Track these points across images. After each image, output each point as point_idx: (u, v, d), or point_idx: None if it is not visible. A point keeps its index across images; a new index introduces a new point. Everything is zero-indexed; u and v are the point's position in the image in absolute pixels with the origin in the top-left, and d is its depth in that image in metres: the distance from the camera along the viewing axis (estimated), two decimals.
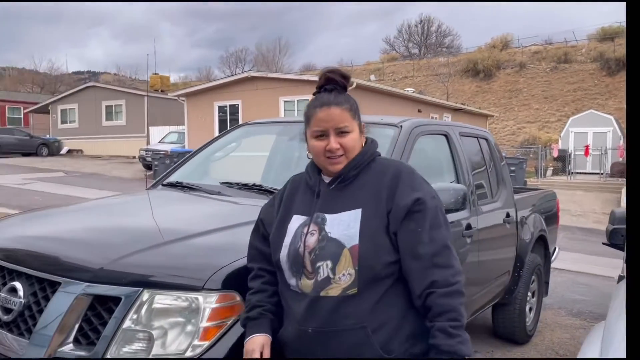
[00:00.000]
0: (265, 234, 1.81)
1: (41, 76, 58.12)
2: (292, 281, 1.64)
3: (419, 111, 21.40)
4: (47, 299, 1.95)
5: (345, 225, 1.59)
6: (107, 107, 27.35)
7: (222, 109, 20.03)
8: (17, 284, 2.03)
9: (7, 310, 2.01)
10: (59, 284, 1.94)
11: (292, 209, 1.73)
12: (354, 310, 1.55)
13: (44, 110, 30.21)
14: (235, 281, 1.84)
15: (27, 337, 1.92)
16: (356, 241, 1.56)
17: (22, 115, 36.49)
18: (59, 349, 1.84)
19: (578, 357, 1.94)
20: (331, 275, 1.56)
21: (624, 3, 1.98)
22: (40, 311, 1.93)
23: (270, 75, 20.14)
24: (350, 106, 1.69)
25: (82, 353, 1.81)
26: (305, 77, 19.28)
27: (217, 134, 18.92)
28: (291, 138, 3.50)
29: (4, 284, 2.10)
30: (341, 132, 1.65)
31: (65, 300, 1.89)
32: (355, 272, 1.55)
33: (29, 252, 2.18)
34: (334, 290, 1.56)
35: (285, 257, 1.65)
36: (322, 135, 1.66)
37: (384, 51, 59.29)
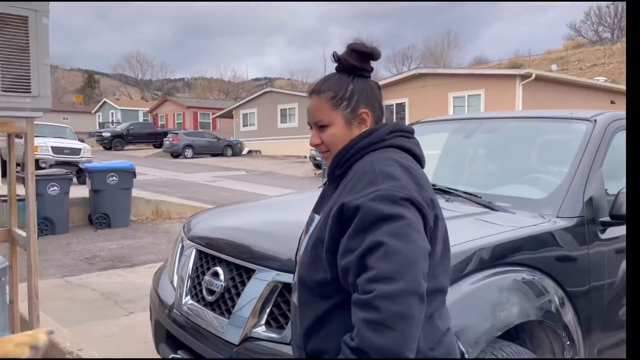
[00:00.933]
0: None
1: (226, 84, 64.94)
2: None
3: (612, 102, 19.17)
4: (243, 284, 2.18)
5: (311, 231, 1.43)
6: (281, 110, 29.43)
7: (388, 108, 20.10)
8: (219, 269, 2.31)
9: (211, 292, 2.30)
10: (254, 271, 2.16)
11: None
12: (298, 323, 1.42)
13: (229, 114, 33.69)
14: None
15: (226, 317, 2.17)
16: (302, 251, 1.44)
17: (210, 120, 41.21)
18: (253, 330, 2.05)
19: None
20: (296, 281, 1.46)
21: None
22: (238, 294, 2.17)
23: (438, 71, 19.78)
24: (334, 94, 1.42)
25: (273, 335, 1.99)
26: (476, 71, 18.55)
27: None
28: (466, 136, 3.41)
29: (208, 269, 2.40)
30: (320, 125, 1.45)
31: (258, 286, 2.10)
32: (296, 282, 1.44)
33: (227, 241, 2.46)
34: (294, 296, 1.46)
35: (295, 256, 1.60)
36: (310, 127, 1.49)
37: (567, 37, 54.33)
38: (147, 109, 48.06)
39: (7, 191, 3.89)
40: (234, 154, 28.79)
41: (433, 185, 2.92)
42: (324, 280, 1.31)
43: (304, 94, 29.51)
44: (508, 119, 3.43)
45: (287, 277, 2.02)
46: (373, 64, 1.47)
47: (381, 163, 1.33)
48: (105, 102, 52.23)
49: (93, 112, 51.72)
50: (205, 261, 2.46)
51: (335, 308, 1.30)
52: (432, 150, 3.81)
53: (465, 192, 2.71)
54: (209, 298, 2.29)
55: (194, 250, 2.57)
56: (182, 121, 41.85)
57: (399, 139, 1.43)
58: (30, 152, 3.30)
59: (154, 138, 33.71)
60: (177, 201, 10.30)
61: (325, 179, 1.55)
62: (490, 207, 2.54)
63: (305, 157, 24.49)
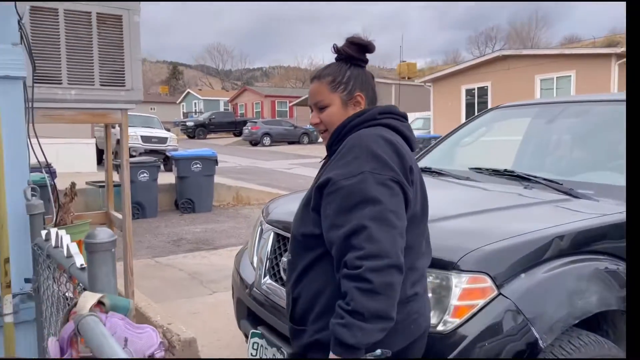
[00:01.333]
0: None
1: (302, 72, 65.67)
2: None
3: None
4: None
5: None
6: None
7: (469, 92, 19.60)
8: None
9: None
10: None
11: None
12: (289, 275, 1.65)
13: (305, 103, 34.13)
14: (486, 264, 1.86)
15: None
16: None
17: (287, 108, 41.96)
18: None
19: None
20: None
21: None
22: None
23: (524, 52, 18.83)
24: (332, 78, 1.62)
25: None
26: (567, 51, 17.48)
27: (463, 118, 18.67)
28: (549, 120, 3.29)
29: (285, 250, 2.52)
30: (319, 107, 1.63)
31: None
32: (290, 238, 1.66)
33: None
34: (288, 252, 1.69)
35: None
36: (311, 109, 1.69)
37: None
38: (228, 99, 49.77)
39: (104, 177, 4.25)
40: (310, 142, 29.20)
41: (511, 172, 2.87)
42: (310, 233, 1.53)
43: (382, 80, 29.27)
44: (594, 102, 3.27)
45: None
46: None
47: (369, 138, 1.50)
48: (188, 92, 54.66)
49: (178, 102, 54.31)
50: (282, 243, 2.58)
51: (318, 259, 1.53)
52: (512, 136, 3.71)
53: (545, 179, 2.63)
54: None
55: (272, 233, 2.70)
56: (260, 110, 42.97)
57: (388, 120, 1.60)
58: (125, 141, 3.59)
59: (234, 127, 34.89)
60: (256, 187, 10.67)
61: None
62: (571, 194, 2.46)
63: None
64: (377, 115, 1.59)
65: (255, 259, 2.83)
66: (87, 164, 12.60)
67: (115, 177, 4.54)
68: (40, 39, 3.18)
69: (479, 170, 3.03)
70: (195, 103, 51.84)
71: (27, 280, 2.09)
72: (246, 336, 2.66)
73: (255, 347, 2.43)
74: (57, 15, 3.29)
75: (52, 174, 5.22)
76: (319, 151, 23.67)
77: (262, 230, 2.90)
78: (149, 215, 8.25)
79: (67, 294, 1.66)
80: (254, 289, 2.64)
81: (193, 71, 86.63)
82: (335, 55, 1.66)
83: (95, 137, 13.99)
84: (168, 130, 18.42)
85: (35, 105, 2.48)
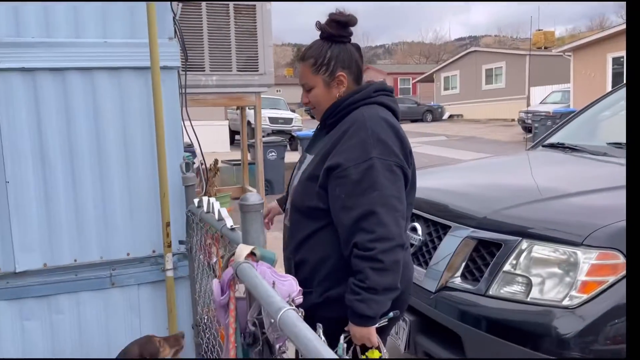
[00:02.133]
0: None
1: (427, 47, 63.85)
2: None
3: None
4: (439, 239, 2.35)
5: (303, 168, 1.75)
6: (486, 70, 27.95)
7: (616, 61, 17.71)
8: (417, 225, 2.51)
9: (410, 245, 2.52)
10: (449, 227, 2.30)
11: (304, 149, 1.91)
12: (288, 242, 1.75)
13: (429, 79, 33.32)
14: (617, 241, 1.80)
15: (424, 268, 2.37)
16: (295, 182, 1.76)
17: (410, 85, 41.25)
18: (450, 281, 2.21)
19: None
20: (288, 207, 1.80)
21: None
22: (435, 248, 2.35)
23: None
24: (314, 61, 1.69)
25: (468, 286, 2.12)
26: None
27: (609, 90, 16.88)
28: None
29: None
30: (306, 88, 1.75)
31: (454, 241, 2.24)
32: (290, 207, 1.75)
33: (425, 200, 2.63)
34: (286, 219, 1.81)
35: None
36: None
37: None
38: None
39: (237, 156, 4.66)
40: (434, 119, 28.52)
41: None
42: (315, 206, 1.65)
43: (513, 51, 27.57)
44: None
45: (483, 234, 2.13)
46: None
47: (373, 122, 1.61)
48: None
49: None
50: None
51: (321, 228, 1.66)
52: None
53: None
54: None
55: None
56: None
57: (382, 97, 1.70)
58: (258, 122, 3.91)
59: None
60: None
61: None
62: None
63: (512, 120, 23.08)
64: (373, 94, 1.69)
65: None
66: (222, 144, 13.64)
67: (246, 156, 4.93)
68: (187, 31, 3.56)
69: (618, 145, 2.85)
70: None
71: (180, 242, 2.44)
72: None
73: None
74: (200, 9, 3.66)
75: (193, 153, 5.80)
76: (443, 128, 23.08)
77: None
78: (276, 192, 8.78)
79: (210, 258, 1.95)
80: None
81: None
82: (322, 34, 1.71)
83: (228, 120, 15.06)
84: (293, 111, 19.17)
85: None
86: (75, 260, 2.38)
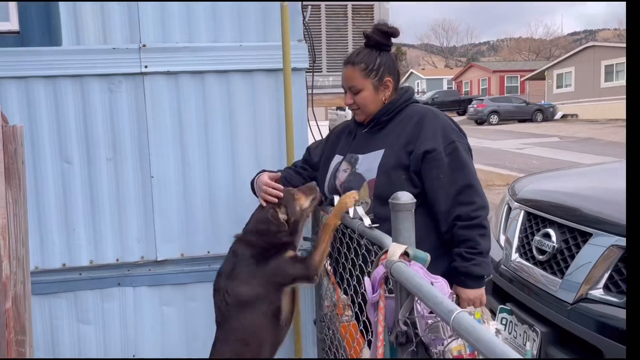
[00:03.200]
0: (307, 158, 2.24)
1: (536, 43, 60.38)
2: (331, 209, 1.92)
3: None
4: (577, 247, 2.19)
5: (368, 163, 1.88)
6: (606, 67, 25.82)
7: None
8: (551, 231, 2.37)
9: (541, 252, 2.38)
10: (590, 235, 2.14)
11: (336, 150, 2.09)
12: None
13: (540, 76, 31.45)
14: None
15: (559, 277, 2.23)
16: (374, 176, 1.85)
17: (518, 84, 39.25)
18: (590, 292, 2.06)
19: None
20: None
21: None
22: (571, 256, 2.20)
23: None
24: (365, 66, 1.89)
25: (612, 299, 1.97)
26: None
27: None
28: None
29: (538, 230, 2.48)
30: (353, 91, 1.92)
31: (595, 250, 2.09)
32: (371, 201, 1.81)
33: (558, 204, 2.48)
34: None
35: (327, 189, 2.05)
36: (344, 91, 1.97)
37: None
38: (451, 77, 48.82)
39: None
40: (545, 119, 26.84)
41: None
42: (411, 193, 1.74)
43: None
44: None
45: None
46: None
47: (438, 113, 1.91)
48: (411, 72, 55.25)
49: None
50: (534, 222, 2.54)
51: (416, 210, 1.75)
52: None
53: None
54: (540, 257, 2.38)
55: (523, 212, 2.67)
56: (487, 87, 41.12)
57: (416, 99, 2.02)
58: None
59: (458, 105, 34.12)
60: (483, 168, 10.39)
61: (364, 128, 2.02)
62: None
63: None
64: (413, 96, 2.00)
65: (502, 237, 2.84)
66: None
67: None
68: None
69: None
70: (417, 83, 52.19)
71: (305, 239, 2.50)
72: (491, 312, 2.71)
73: (504, 322, 2.47)
74: (320, 11, 3.73)
75: None
76: (556, 129, 21.71)
77: (509, 209, 2.89)
78: None
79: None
80: (502, 266, 2.66)
81: (416, 51, 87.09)
82: (365, 41, 1.92)
83: (328, 120, 15.28)
84: None
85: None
86: (208, 252, 2.52)
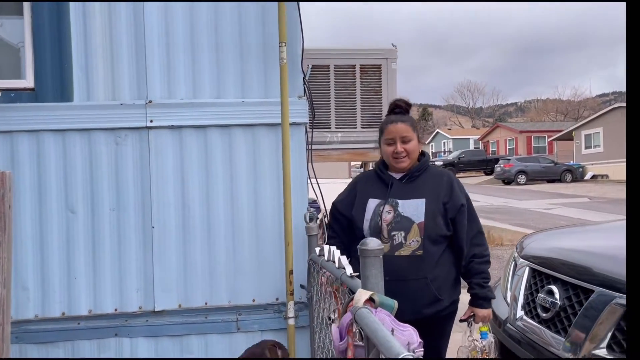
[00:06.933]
0: (340, 215, 2.45)
1: (564, 104, 60.29)
2: None
3: None
4: (580, 304, 2.11)
5: (414, 208, 2.28)
6: None
7: None
8: (554, 288, 2.29)
9: (545, 309, 2.30)
10: (592, 292, 2.06)
11: (368, 195, 2.38)
12: (419, 266, 2.25)
13: (567, 137, 31.19)
14: None
15: (562, 335, 2.13)
16: (422, 219, 2.26)
17: (546, 144, 38.95)
18: (593, 352, 1.95)
19: None
20: (403, 242, 2.25)
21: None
22: (575, 314, 2.11)
23: None
24: (411, 123, 2.41)
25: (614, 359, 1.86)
26: None
27: None
28: None
29: (542, 287, 2.40)
30: (405, 141, 2.35)
31: (598, 307, 2.00)
32: (421, 239, 2.25)
33: (563, 261, 2.40)
34: (404, 252, 2.25)
35: (367, 228, 2.31)
36: (392, 142, 2.36)
37: None
38: (478, 137, 48.83)
39: None
40: (574, 180, 26.39)
41: None
42: (444, 234, 2.30)
43: None
44: None
45: None
46: None
47: (452, 176, 2.46)
48: (437, 132, 55.55)
49: (427, 142, 55.60)
50: (539, 279, 2.46)
51: (444, 251, 2.33)
52: None
53: None
54: (544, 315, 2.29)
55: (527, 268, 2.60)
56: (514, 147, 40.91)
57: None
58: None
59: (485, 165, 33.93)
60: (509, 228, 10.17)
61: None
62: None
63: None
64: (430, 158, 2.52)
65: (508, 294, 2.75)
66: None
67: None
68: (315, 91, 3.76)
69: None
70: (444, 143, 52.33)
71: (302, 286, 2.48)
72: None
73: None
74: (329, 71, 3.86)
75: (317, 209, 5.98)
76: (586, 189, 21.29)
77: (515, 265, 2.82)
78: None
79: (330, 312, 1.96)
80: (508, 324, 2.56)
81: (442, 111, 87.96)
82: (396, 109, 2.42)
83: (351, 178, 15.35)
84: None
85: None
86: (206, 303, 2.52)
